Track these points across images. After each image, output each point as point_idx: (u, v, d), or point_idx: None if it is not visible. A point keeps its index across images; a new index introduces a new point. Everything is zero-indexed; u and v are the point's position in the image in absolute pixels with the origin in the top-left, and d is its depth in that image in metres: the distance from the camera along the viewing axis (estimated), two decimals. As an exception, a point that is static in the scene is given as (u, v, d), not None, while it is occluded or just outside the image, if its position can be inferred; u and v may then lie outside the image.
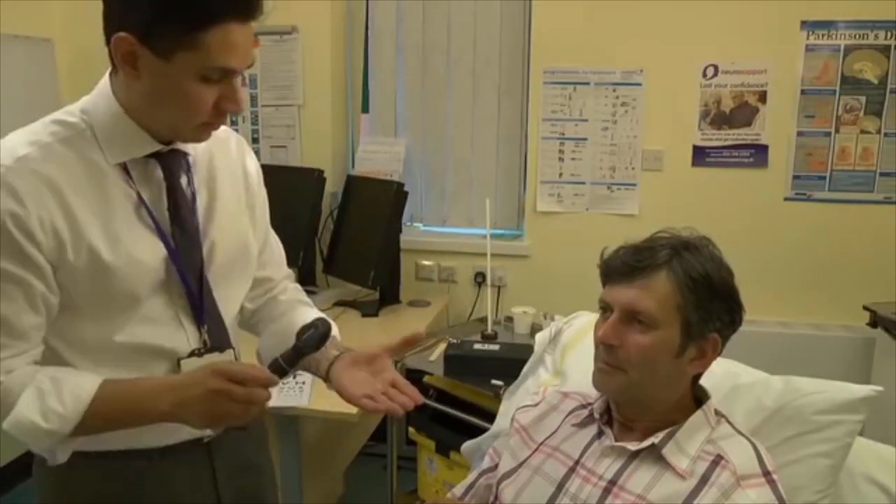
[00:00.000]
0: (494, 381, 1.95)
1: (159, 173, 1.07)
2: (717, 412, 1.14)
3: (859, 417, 1.25)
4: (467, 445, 1.68)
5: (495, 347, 2.19)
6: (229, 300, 1.19)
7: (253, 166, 1.25)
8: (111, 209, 1.02)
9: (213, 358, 1.11)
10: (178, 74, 0.95)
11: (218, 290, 1.14)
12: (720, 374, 1.29)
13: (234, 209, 1.19)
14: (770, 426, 1.27)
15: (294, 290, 1.37)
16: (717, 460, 1.05)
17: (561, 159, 2.96)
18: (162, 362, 1.09)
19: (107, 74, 1.04)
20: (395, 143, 3.10)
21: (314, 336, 1.05)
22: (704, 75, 2.80)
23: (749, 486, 1.02)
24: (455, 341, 2.21)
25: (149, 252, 1.05)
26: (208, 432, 1.13)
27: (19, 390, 0.98)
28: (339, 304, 2.79)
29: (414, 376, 2.20)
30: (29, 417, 0.98)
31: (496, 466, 1.28)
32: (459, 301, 3.12)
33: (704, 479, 1.03)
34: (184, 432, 1.11)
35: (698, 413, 1.10)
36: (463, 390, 2.07)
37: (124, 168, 1.04)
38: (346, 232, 2.91)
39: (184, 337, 1.10)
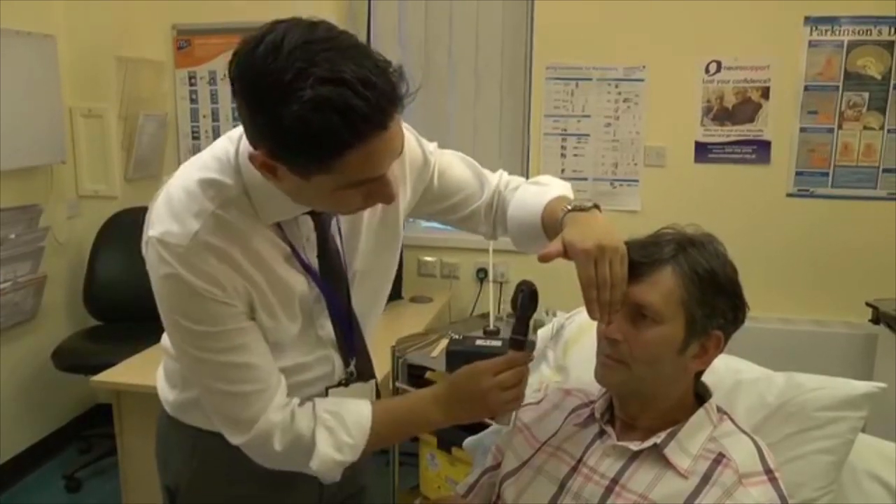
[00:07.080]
0: (497, 378, 1.95)
1: (310, 225, 1.07)
2: (718, 409, 1.14)
3: (861, 414, 1.25)
4: (469, 441, 1.68)
5: (497, 343, 2.18)
6: (371, 323, 1.23)
7: (399, 170, 1.12)
8: (269, 262, 1.04)
9: (358, 387, 1.18)
10: (319, 188, 0.91)
11: (362, 318, 1.18)
12: (722, 371, 1.29)
13: (374, 230, 1.17)
14: (772, 423, 1.26)
15: (509, 184, 1.37)
16: (719, 458, 1.05)
17: (563, 155, 2.96)
18: (311, 389, 1.14)
19: None
20: (397, 139, 3.09)
21: (525, 298, 1.11)
22: (707, 71, 2.80)
23: (751, 484, 1.01)
24: (457, 337, 2.21)
25: (301, 298, 1.08)
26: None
27: (310, 432, 1.06)
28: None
29: (415, 372, 2.20)
30: (329, 454, 1.06)
31: (499, 465, 1.28)
32: (461, 297, 3.13)
33: (706, 478, 1.03)
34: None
35: (700, 412, 1.10)
36: (465, 386, 2.06)
37: (276, 224, 1.04)
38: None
39: (331, 369, 1.16)
